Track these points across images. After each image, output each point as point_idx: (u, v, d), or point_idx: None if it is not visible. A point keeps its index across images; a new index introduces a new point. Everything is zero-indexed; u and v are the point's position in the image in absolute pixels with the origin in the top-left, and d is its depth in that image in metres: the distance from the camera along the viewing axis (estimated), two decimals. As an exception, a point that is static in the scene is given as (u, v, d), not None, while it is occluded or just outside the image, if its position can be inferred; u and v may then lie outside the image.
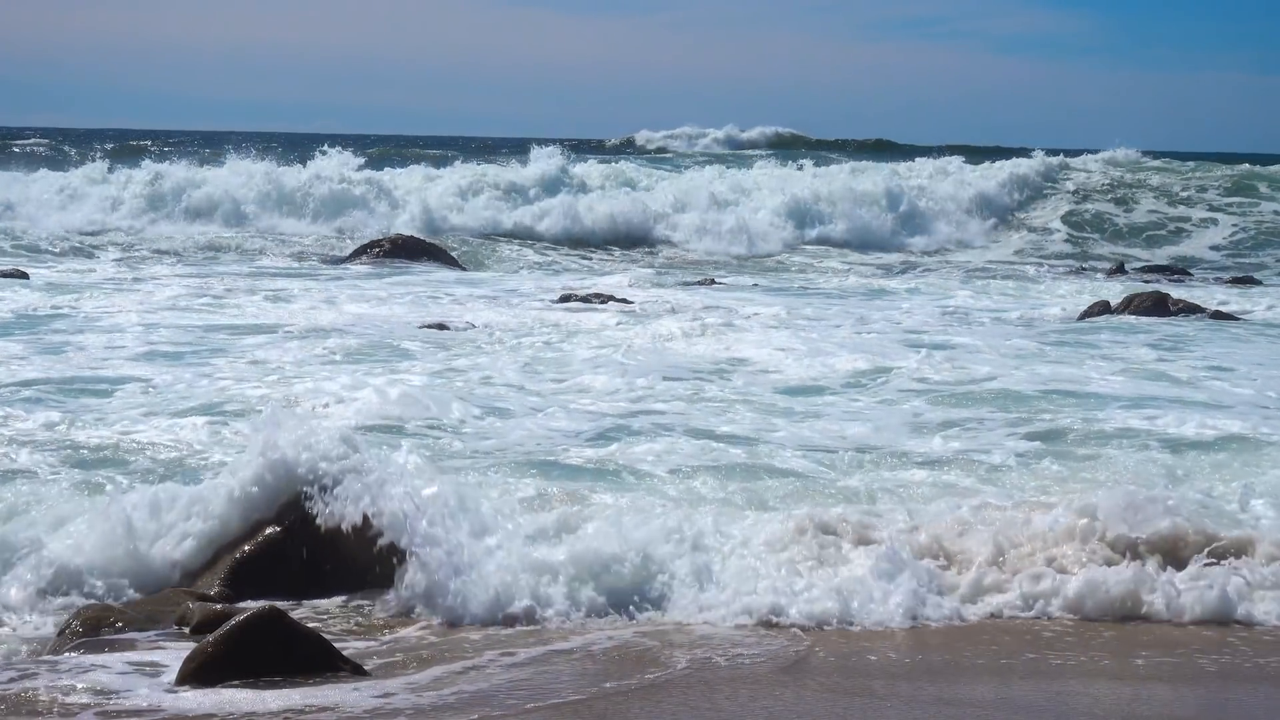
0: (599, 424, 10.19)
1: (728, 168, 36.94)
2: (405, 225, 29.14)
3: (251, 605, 5.94)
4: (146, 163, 33.23)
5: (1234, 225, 32.84)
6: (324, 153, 33.60)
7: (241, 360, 12.79)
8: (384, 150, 46.87)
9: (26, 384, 11.26)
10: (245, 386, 11.33)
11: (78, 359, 12.73)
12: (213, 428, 9.65)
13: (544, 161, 32.99)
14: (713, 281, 23.27)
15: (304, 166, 33.12)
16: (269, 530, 6.71)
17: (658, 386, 11.79)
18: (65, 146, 45.02)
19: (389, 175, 33.49)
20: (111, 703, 5.24)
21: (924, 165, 35.71)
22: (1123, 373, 12.82)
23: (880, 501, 7.91)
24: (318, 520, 6.62)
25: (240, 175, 32.43)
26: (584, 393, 11.48)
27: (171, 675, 5.47)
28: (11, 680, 5.43)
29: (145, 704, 5.23)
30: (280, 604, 5.92)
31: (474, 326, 15.77)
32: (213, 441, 9.28)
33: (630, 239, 30.26)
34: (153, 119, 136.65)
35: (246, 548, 6.66)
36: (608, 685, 5.58)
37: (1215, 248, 31.62)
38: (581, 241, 29.66)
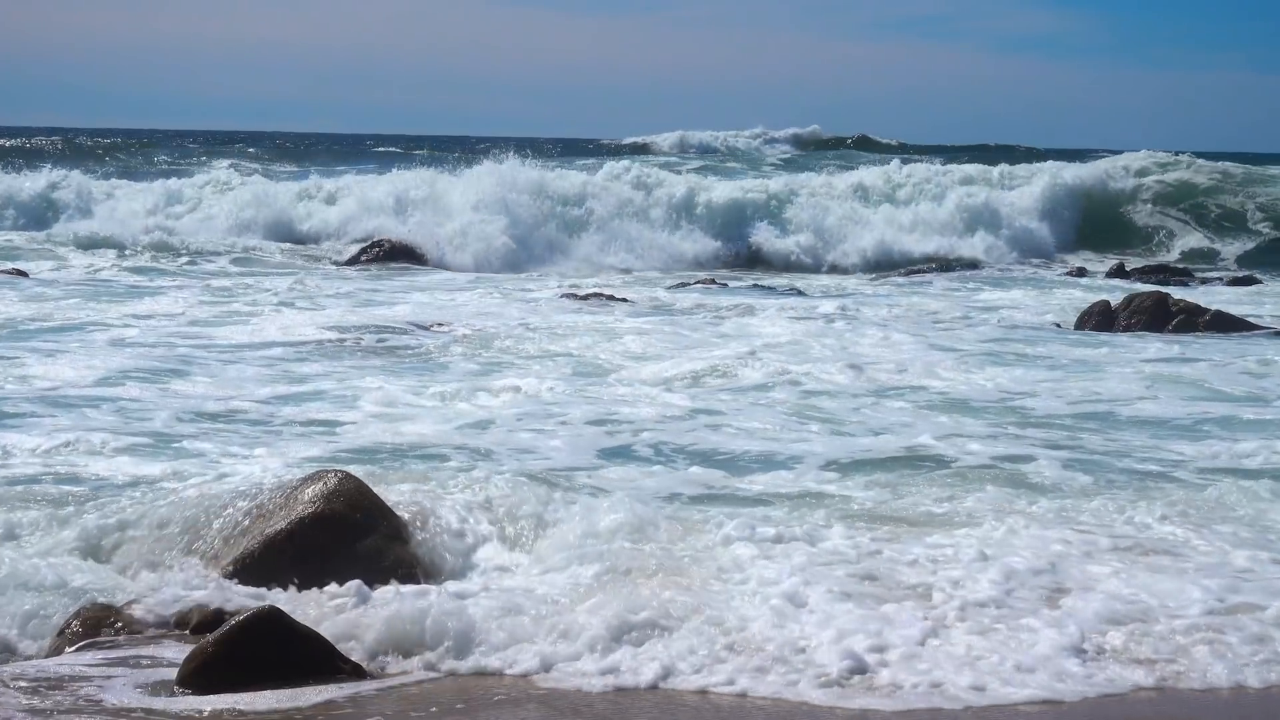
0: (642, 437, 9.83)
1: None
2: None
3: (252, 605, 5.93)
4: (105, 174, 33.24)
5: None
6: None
7: (256, 373, 12.58)
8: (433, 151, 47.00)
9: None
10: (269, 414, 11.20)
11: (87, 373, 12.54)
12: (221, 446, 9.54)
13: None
14: (712, 281, 23.27)
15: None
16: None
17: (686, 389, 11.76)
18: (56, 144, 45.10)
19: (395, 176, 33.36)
20: (111, 703, 5.23)
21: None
22: (1156, 386, 12.35)
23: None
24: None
25: (237, 177, 32.44)
26: (621, 402, 11.10)
27: (171, 675, 5.46)
28: (10, 681, 5.43)
29: (145, 705, 5.22)
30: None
31: (476, 329, 15.74)
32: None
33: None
34: (153, 119, 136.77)
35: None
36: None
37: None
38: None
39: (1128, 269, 25.94)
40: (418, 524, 6.88)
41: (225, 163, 40.04)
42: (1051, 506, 7.89)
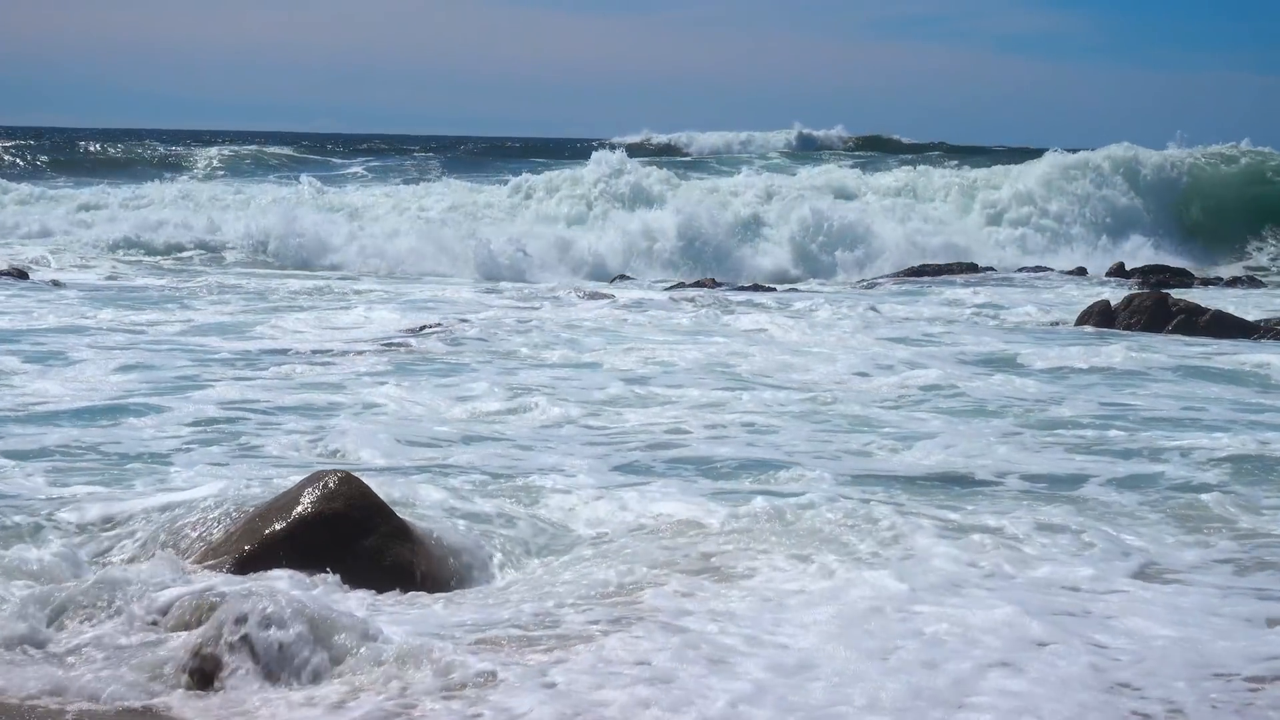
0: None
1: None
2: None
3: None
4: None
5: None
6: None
7: (266, 378, 12.61)
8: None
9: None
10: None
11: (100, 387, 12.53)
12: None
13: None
14: (714, 282, 23.24)
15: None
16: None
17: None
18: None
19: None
20: (108, 703, 5.20)
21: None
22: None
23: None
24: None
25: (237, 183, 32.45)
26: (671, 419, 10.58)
27: (169, 674, 5.44)
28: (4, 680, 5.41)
29: (143, 704, 5.20)
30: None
31: (485, 331, 15.72)
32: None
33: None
34: (153, 119, 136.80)
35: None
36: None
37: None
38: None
39: (1128, 269, 25.90)
40: (422, 527, 6.86)
41: (222, 150, 40.33)
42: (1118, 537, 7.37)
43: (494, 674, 5.23)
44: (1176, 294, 18.49)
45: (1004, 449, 9.60)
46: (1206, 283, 24.26)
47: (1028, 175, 32.44)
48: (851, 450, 9.50)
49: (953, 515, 7.60)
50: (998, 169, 33.67)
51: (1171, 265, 26.82)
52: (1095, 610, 6.15)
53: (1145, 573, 6.79)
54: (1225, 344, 15.36)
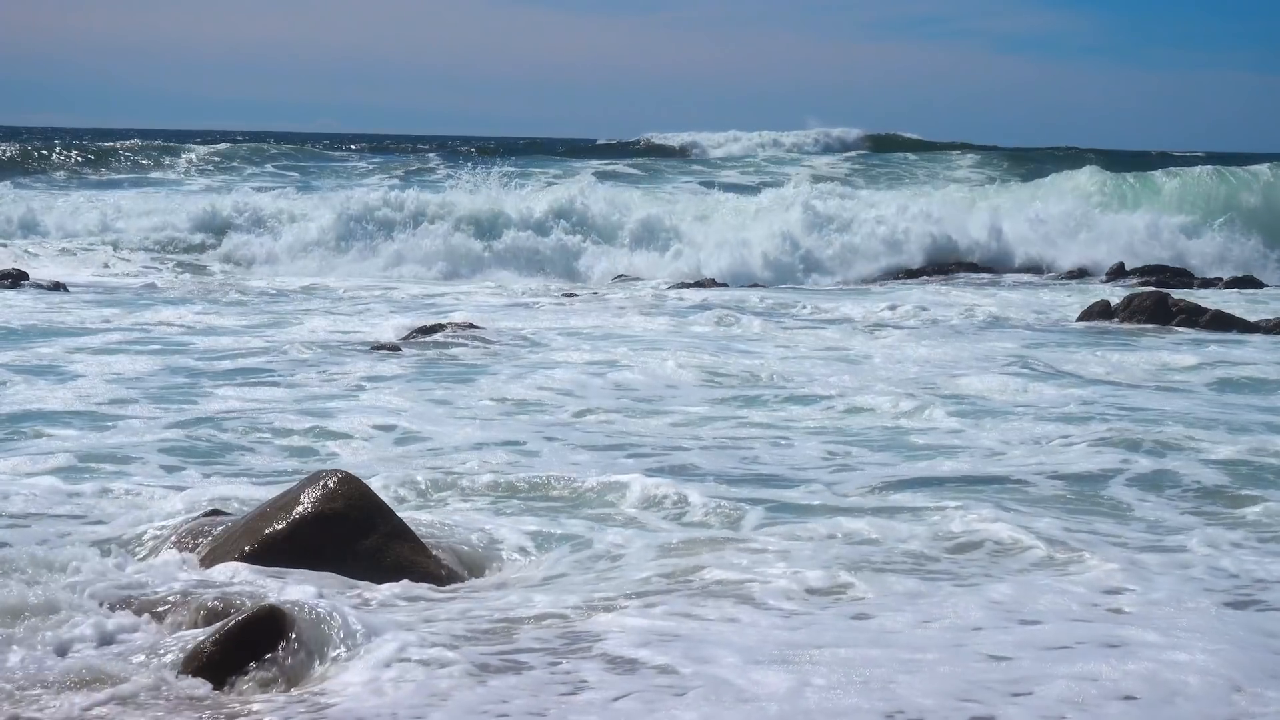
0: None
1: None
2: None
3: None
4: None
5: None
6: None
7: (272, 380, 12.61)
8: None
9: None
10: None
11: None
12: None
13: None
14: (713, 282, 23.26)
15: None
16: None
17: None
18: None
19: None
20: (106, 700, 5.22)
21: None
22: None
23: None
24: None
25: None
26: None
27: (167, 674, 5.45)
28: (6, 681, 5.43)
29: (142, 703, 5.22)
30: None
31: (491, 332, 15.75)
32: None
33: None
34: (153, 119, 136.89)
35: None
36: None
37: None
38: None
39: (1127, 269, 25.87)
40: (422, 529, 6.86)
41: (228, 145, 40.53)
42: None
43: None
44: (1176, 294, 18.50)
45: (1033, 452, 9.35)
46: (1206, 283, 24.24)
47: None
48: (878, 461, 9.11)
49: (995, 524, 7.13)
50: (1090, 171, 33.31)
51: (1171, 266, 26.78)
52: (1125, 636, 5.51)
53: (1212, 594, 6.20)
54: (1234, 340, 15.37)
